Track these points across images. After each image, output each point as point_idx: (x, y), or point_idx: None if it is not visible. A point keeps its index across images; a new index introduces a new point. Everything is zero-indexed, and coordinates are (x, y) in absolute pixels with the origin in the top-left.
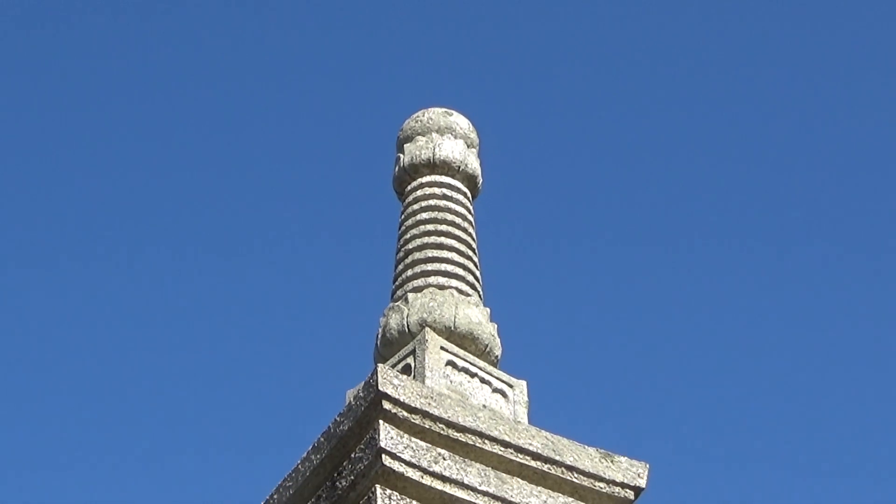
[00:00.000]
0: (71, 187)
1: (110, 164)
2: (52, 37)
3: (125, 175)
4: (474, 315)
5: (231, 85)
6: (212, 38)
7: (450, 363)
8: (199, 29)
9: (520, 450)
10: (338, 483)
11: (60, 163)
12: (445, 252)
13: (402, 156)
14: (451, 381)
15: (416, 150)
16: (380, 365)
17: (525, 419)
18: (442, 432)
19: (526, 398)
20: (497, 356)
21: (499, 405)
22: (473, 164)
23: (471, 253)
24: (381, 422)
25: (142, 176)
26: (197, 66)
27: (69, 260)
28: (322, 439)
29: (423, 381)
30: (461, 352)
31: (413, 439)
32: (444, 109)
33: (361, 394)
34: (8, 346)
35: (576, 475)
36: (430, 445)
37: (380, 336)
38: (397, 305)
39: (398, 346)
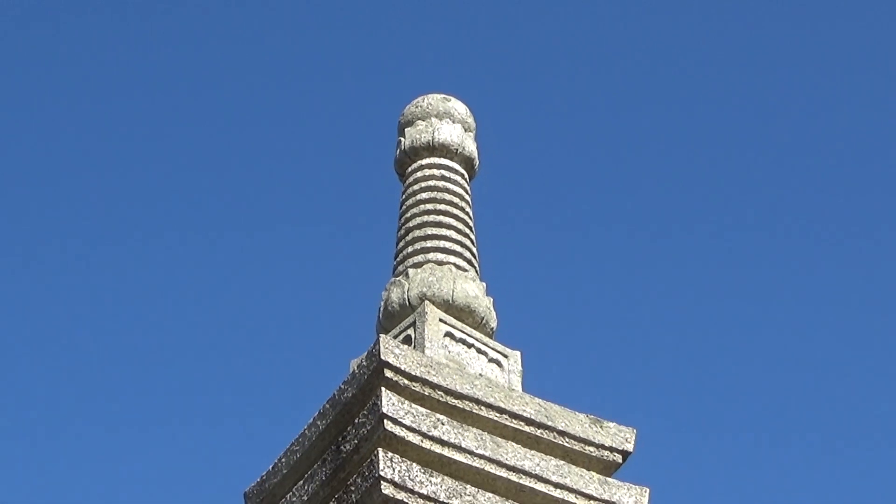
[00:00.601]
0: (73, 174)
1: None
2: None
3: (134, 147)
4: (471, 289)
5: (241, 75)
6: (217, 38)
7: (448, 334)
8: (205, 23)
9: (514, 416)
10: (342, 447)
11: (57, 154)
12: (444, 230)
13: (403, 139)
14: (449, 352)
15: (416, 134)
16: (382, 336)
17: (519, 387)
18: (441, 399)
19: (520, 367)
20: (493, 328)
21: (494, 374)
22: (470, 146)
23: (468, 231)
24: (383, 389)
25: (154, 153)
26: (202, 68)
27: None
28: (327, 406)
29: (422, 351)
30: (459, 324)
31: (413, 405)
32: (442, 95)
33: (365, 363)
34: None
35: (567, 440)
36: (429, 411)
37: (382, 309)
38: (398, 280)
39: (399, 318)
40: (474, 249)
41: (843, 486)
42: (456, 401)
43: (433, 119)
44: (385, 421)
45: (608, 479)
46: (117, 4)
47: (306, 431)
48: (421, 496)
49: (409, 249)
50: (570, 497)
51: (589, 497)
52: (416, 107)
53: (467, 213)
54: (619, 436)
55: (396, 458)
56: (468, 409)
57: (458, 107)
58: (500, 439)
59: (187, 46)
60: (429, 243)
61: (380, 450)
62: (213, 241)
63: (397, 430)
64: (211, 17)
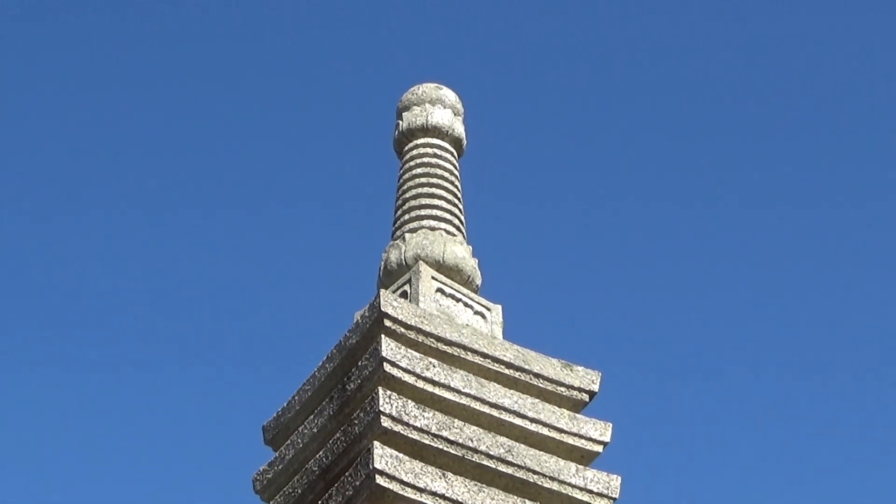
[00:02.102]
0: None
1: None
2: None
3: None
4: (459, 251)
5: (265, 73)
6: (224, 40)
7: (439, 290)
8: (211, 21)
9: (495, 360)
10: (347, 386)
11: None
12: (436, 200)
13: (400, 122)
14: (439, 305)
15: (412, 118)
16: (382, 291)
17: (500, 336)
18: (432, 345)
19: (501, 319)
20: (478, 285)
21: (479, 324)
22: (459, 129)
23: (456, 201)
24: (382, 336)
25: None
26: (211, 70)
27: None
28: (334, 351)
29: (417, 304)
30: (448, 281)
31: (409, 350)
32: (435, 84)
33: (367, 314)
34: None
35: (541, 381)
36: (422, 356)
37: (382, 268)
38: (396, 243)
39: (397, 276)
40: (462, 217)
41: (790, 419)
42: (445, 347)
43: (427, 105)
44: (384, 364)
45: (577, 415)
46: None
47: (316, 373)
48: (415, 428)
49: (406, 217)
50: (544, 430)
51: (560, 430)
52: (412, 94)
53: (456, 186)
54: (586, 378)
55: (394, 395)
56: (456, 353)
57: (449, 94)
58: (483, 380)
59: (194, 43)
60: (423, 212)
61: (380, 388)
62: (249, 212)
63: (395, 371)
64: (230, 23)
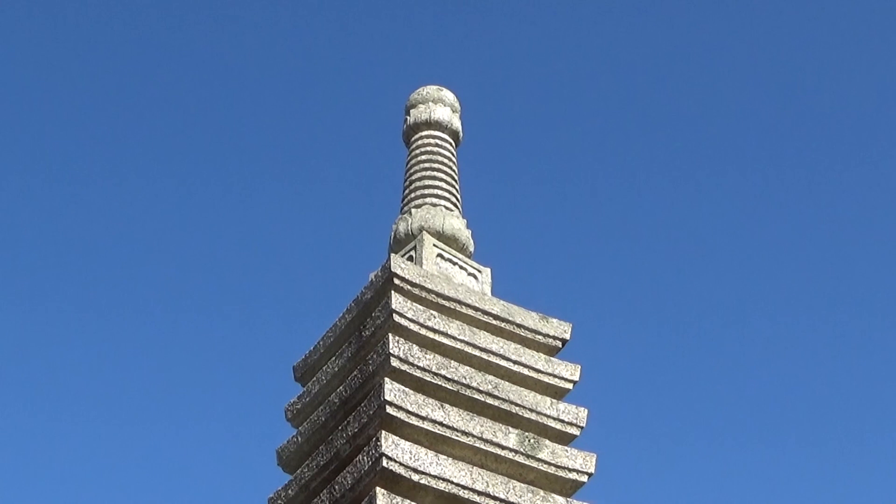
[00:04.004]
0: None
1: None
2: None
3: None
4: (456, 223)
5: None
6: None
7: (439, 255)
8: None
9: (485, 313)
10: (363, 333)
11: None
12: (437, 181)
13: (408, 118)
14: (439, 267)
15: (418, 114)
16: (392, 255)
17: (489, 293)
18: (433, 300)
19: (489, 279)
20: (471, 251)
21: (471, 283)
22: (456, 123)
23: (454, 182)
24: (392, 292)
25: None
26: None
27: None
28: (352, 304)
29: (421, 266)
30: (447, 248)
31: (414, 304)
32: (437, 87)
33: (380, 274)
34: None
35: (522, 330)
36: (425, 308)
37: (392, 237)
38: (404, 216)
39: (405, 243)
40: (458, 195)
41: (763, 379)
42: (444, 301)
43: (430, 103)
44: (394, 314)
45: (551, 358)
46: None
47: (337, 322)
48: (418, 368)
49: (412, 195)
50: (524, 370)
51: (537, 371)
52: (418, 94)
53: (454, 170)
54: (559, 328)
55: (402, 340)
56: (452, 307)
57: (448, 95)
58: (475, 329)
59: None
60: (426, 191)
61: (390, 335)
62: (287, 195)
63: (402, 321)
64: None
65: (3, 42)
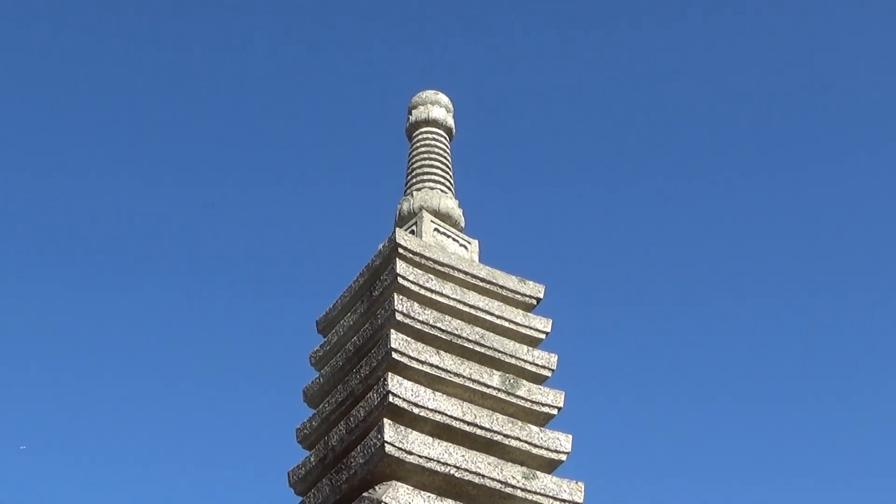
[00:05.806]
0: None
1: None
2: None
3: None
4: (450, 203)
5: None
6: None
7: (436, 229)
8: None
9: (474, 276)
10: (373, 293)
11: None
12: (434, 169)
13: (410, 117)
14: (436, 239)
15: (418, 114)
16: (397, 229)
17: (477, 260)
18: (430, 266)
19: (477, 249)
20: (462, 226)
21: (462, 252)
22: (450, 122)
23: (448, 169)
24: (397, 259)
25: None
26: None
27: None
28: (365, 270)
29: (421, 238)
30: (442, 223)
31: (415, 269)
32: (434, 90)
33: (387, 245)
34: None
35: (504, 290)
36: (424, 272)
37: (397, 214)
38: (407, 197)
39: (408, 220)
40: (452, 180)
41: (735, 337)
42: (440, 267)
43: (428, 104)
44: (398, 278)
45: (528, 314)
46: None
47: (353, 284)
48: (418, 321)
49: (414, 180)
50: (506, 324)
51: (517, 324)
52: (418, 97)
53: (448, 160)
54: (535, 288)
55: (404, 298)
56: (446, 271)
57: (443, 97)
58: (465, 289)
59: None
60: (425, 176)
61: (395, 293)
62: (309, 184)
63: (405, 283)
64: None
65: (3, 42)
